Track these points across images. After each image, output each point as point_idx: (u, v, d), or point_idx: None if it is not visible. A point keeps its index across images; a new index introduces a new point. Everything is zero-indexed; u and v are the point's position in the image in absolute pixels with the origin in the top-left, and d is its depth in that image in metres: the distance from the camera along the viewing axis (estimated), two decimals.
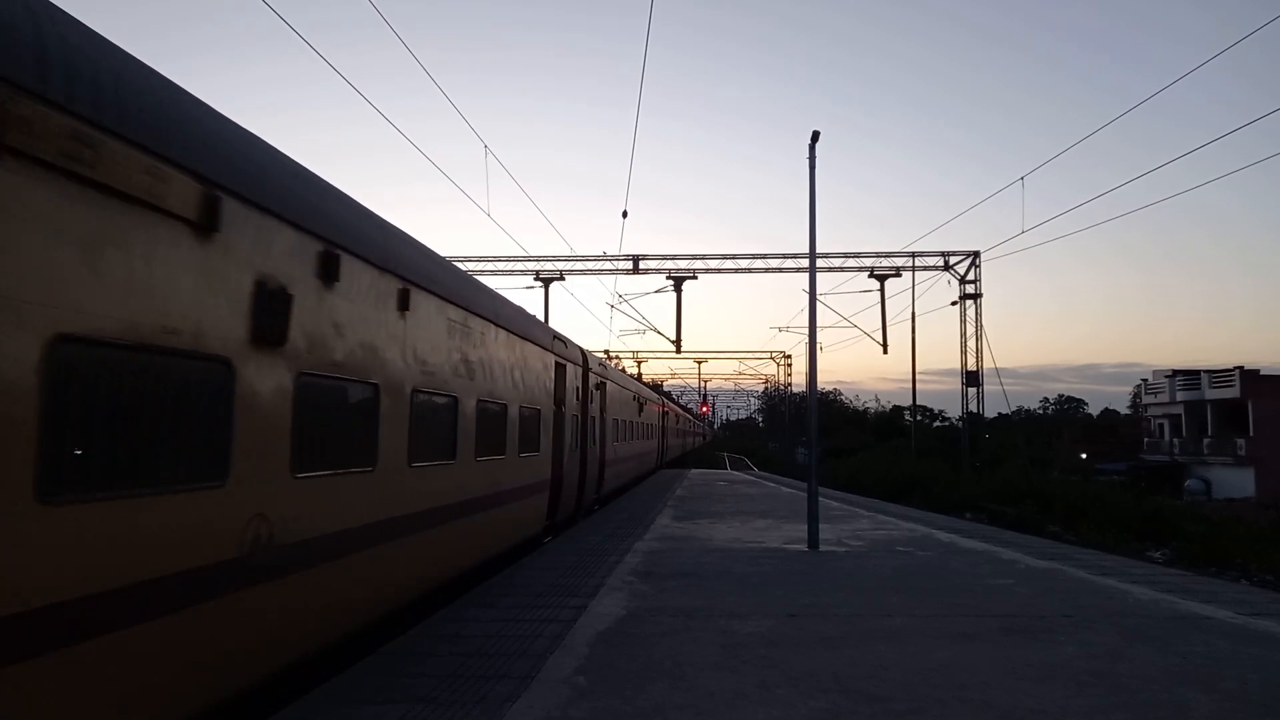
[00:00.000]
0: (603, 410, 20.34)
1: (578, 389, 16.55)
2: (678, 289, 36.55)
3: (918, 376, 44.88)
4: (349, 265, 6.36)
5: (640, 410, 30.10)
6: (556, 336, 15.02)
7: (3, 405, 3.31)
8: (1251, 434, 56.20)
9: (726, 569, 11.33)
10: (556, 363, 14.45)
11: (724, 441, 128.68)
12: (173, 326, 4.33)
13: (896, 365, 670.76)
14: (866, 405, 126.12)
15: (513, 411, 11.25)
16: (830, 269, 35.53)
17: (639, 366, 65.04)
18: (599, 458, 19.70)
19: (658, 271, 37.20)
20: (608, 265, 37.14)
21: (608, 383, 21.21)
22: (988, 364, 35.64)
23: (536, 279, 37.60)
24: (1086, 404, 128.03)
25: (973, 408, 37.28)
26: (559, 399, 14.59)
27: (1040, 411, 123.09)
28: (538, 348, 13.02)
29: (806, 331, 15.63)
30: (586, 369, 17.79)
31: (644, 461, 33.29)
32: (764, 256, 36.96)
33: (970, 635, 7.72)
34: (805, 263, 17.68)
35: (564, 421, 15.11)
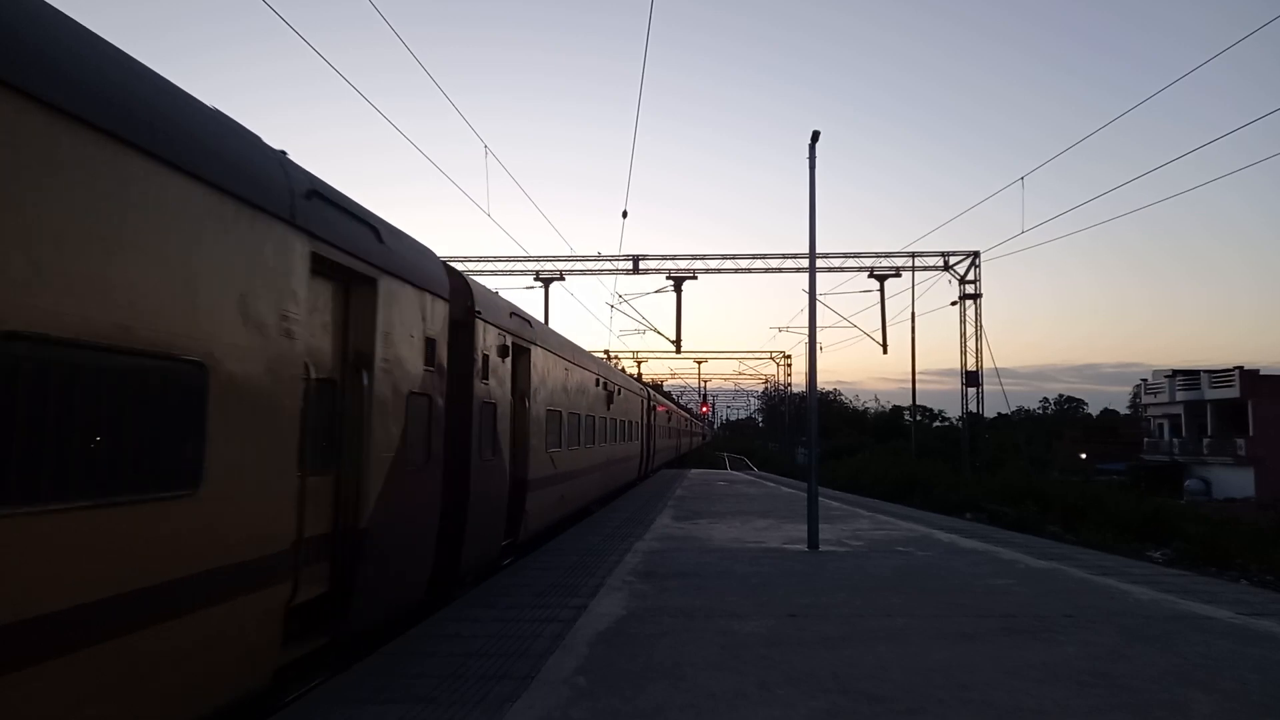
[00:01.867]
0: (527, 396, 12.42)
1: (426, 342, 7.99)
2: (678, 289, 36.57)
3: (918, 376, 44.98)
4: None
5: (609, 401, 22.06)
6: (337, 204, 6.51)
7: None
8: (1251, 434, 56.20)
9: (727, 569, 11.33)
10: (343, 267, 6.44)
11: (724, 441, 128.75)
12: None
13: (896, 365, 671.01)
14: (866, 405, 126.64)
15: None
16: (830, 269, 35.54)
17: (639, 366, 65.07)
18: (508, 476, 11.29)
19: (658, 271, 37.22)
20: (608, 265, 37.16)
21: (536, 349, 13.07)
22: (988, 364, 35.67)
23: (536, 279, 37.65)
24: (1086, 404, 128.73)
25: (972, 408, 37.29)
26: (362, 358, 6.78)
27: (1040, 411, 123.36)
28: (229, 203, 4.95)
29: (806, 331, 15.65)
30: (473, 315, 9.78)
31: (615, 473, 24.17)
32: (764, 256, 36.99)
33: (970, 635, 7.72)
34: (805, 263, 17.70)
35: (387, 409, 7.08)
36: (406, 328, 7.54)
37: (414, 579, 7.98)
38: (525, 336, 12.46)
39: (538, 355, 13.23)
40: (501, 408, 10.97)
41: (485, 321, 10.28)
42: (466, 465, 9.52)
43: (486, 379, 10.28)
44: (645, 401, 33.59)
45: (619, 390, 24.20)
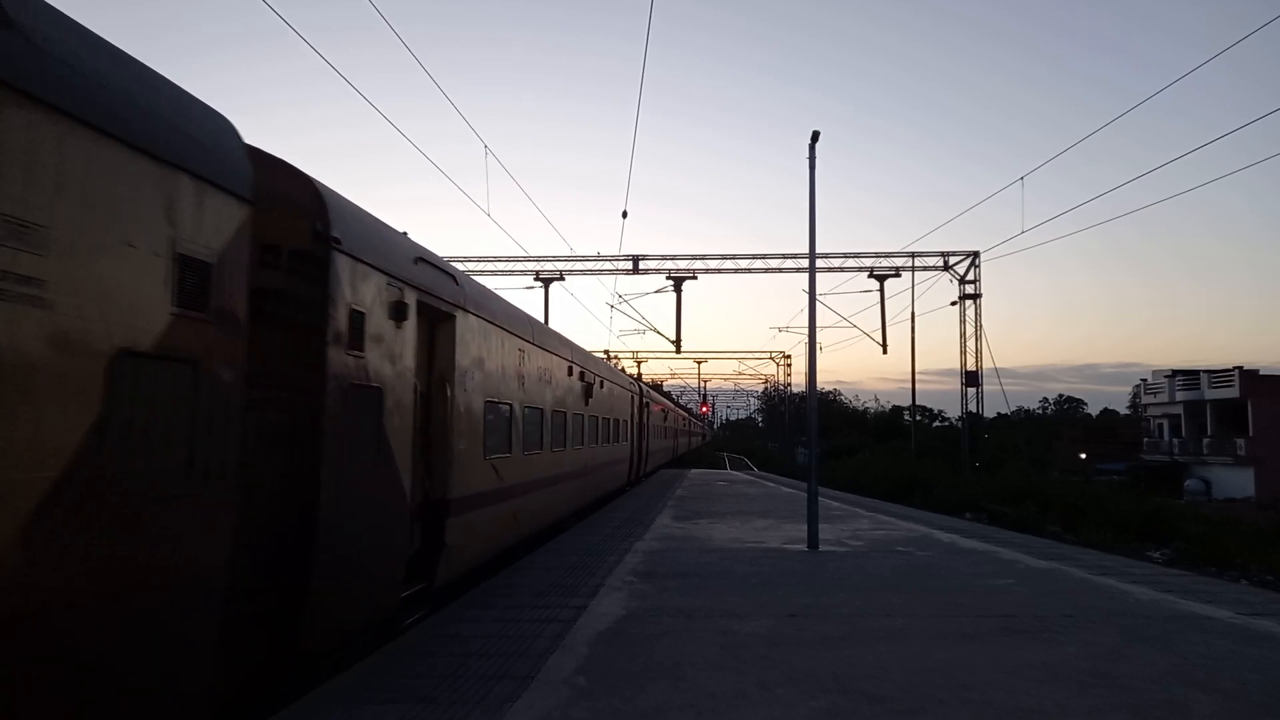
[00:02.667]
0: (451, 382, 9.01)
1: (180, 264, 4.39)
2: (678, 289, 36.58)
3: (917, 376, 45.06)
4: None
5: (588, 395, 18.38)
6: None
7: None
8: (1251, 434, 56.21)
9: (727, 569, 11.32)
10: None
11: (724, 441, 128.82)
12: None
13: (896, 365, 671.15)
14: (866, 405, 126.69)
15: None
16: (830, 269, 35.56)
17: (639, 366, 65.07)
18: (409, 495, 7.80)
19: (658, 271, 37.23)
20: (607, 265, 37.17)
21: (466, 317, 9.57)
22: (987, 364, 35.69)
23: (536, 279, 37.66)
24: (1086, 404, 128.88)
25: (972, 408, 37.30)
26: None
27: (1040, 411, 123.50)
28: None
29: (806, 332, 15.64)
30: (327, 242, 6.32)
31: (596, 481, 20.47)
32: (764, 256, 36.98)
33: (970, 635, 7.72)
34: (805, 263, 17.69)
35: (35, 385, 3.40)
36: (112, 228, 3.97)
37: (158, 701, 4.30)
38: (445, 297, 8.85)
39: (469, 326, 9.62)
40: (396, 395, 7.49)
41: (353, 258, 6.66)
42: (314, 484, 6.06)
43: (360, 350, 6.77)
44: (637, 397, 30.04)
45: (601, 382, 20.38)
